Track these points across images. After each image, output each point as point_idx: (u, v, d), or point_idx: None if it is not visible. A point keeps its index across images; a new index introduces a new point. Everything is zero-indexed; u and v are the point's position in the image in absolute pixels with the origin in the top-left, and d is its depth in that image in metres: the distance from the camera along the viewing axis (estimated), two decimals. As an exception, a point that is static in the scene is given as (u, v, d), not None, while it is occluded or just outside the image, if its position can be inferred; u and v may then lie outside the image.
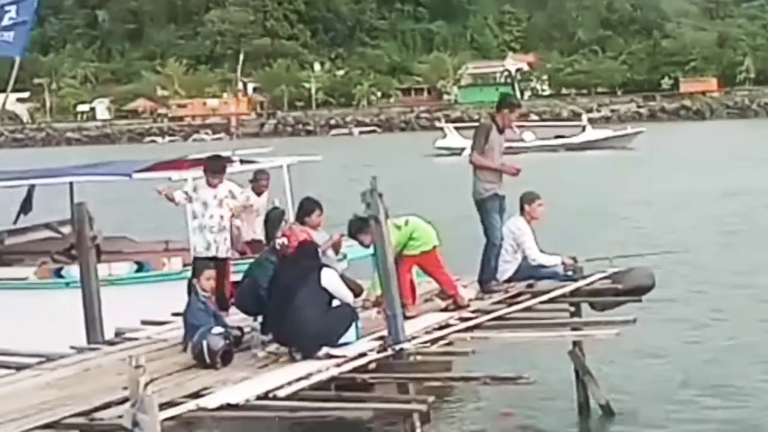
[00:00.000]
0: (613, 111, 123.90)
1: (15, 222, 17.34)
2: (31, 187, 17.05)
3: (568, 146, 69.37)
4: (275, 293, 10.40)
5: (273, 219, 13.27)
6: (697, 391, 13.24)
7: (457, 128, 72.48)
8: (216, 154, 13.62)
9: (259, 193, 15.06)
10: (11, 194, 17.06)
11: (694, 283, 20.32)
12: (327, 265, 10.58)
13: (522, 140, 68.69)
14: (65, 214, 16.27)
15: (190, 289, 10.83)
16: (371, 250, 10.85)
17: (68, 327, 11.76)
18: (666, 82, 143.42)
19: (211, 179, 12.72)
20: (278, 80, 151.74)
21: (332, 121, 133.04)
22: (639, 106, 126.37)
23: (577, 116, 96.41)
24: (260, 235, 14.17)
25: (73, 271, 13.32)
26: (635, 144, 69.89)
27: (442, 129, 76.02)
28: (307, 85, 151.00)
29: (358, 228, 11.64)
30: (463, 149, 65.32)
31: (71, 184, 16.18)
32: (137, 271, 14.39)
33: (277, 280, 10.49)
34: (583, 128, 73.25)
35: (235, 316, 11.24)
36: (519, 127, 71.97)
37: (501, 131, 12.94)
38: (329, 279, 10.37)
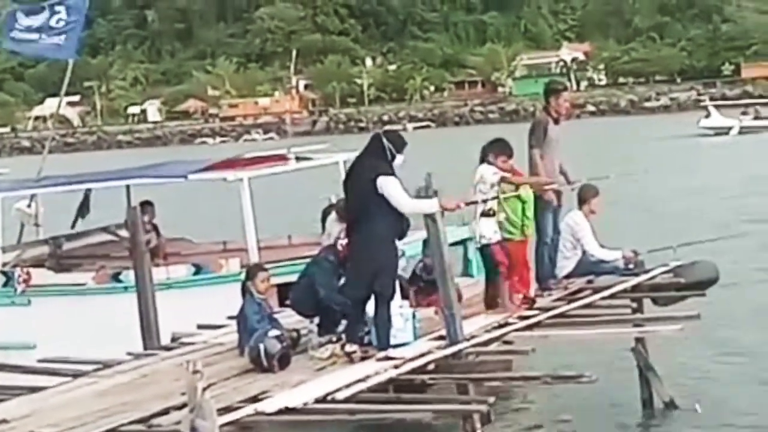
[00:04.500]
0: (672, 99, 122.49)
1: (73, 227, 17.38)
2: (88, 191, 17.09)
3: None
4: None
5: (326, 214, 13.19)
6: (763, 387, 12.96)
7: (717, 107, 71.57)
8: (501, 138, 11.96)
9: None
10: (68, 199, 17.12)
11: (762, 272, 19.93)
12: (385, 174, 10.09)
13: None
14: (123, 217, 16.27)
15: (244, 291, 10.72)
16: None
17: (128, 332, 11.76)
18: (727, 68, 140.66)
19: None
20: (330, 77, 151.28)
21: (385, 117, 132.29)
22: (699, 94, 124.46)
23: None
24: None
25: (131, 275, 13.27)
26: None
27: (705, 108, 74.50)
28: (359, 81, 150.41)
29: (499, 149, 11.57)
30: (730, 128, 65.82)
31: (128, 186, 16.21)
32: (195, 273, 14.33)
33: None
34: None
35: (290, 319, 11.15)
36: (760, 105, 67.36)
37: (557, 122, 12.72)
38: (386, 185, 10.04)
